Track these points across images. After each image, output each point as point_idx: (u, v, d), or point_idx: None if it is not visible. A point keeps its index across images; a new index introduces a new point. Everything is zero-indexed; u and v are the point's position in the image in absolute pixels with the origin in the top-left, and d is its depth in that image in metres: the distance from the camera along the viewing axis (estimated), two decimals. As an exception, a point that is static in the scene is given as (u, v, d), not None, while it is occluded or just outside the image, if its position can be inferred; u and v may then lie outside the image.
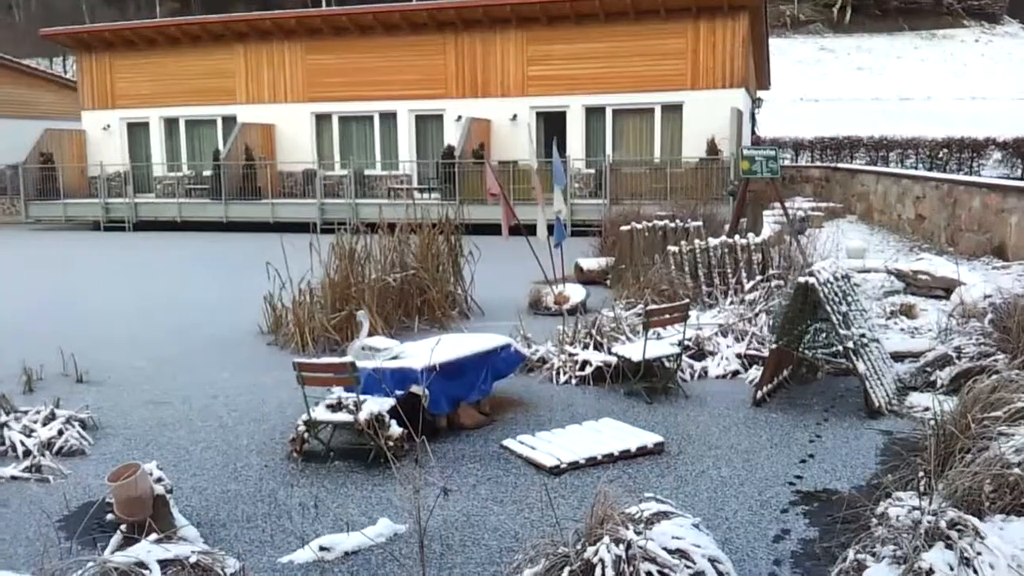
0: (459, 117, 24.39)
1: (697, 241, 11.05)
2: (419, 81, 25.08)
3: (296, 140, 26.23)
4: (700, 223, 13.03)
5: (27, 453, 5.95)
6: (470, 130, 23.13)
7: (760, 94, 34.41)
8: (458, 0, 24.04)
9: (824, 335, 7.58)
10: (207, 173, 25.65)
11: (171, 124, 27.69)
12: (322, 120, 26.36)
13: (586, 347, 8.09)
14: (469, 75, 24.81)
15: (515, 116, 24.28)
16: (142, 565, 3.46)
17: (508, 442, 6.10)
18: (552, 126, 23.84)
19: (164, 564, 3.52)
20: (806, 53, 74.82)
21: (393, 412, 5.87)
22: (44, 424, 6.34)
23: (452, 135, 24.26)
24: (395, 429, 5.79)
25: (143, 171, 27.57)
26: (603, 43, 23.48)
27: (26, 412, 6.53)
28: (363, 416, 5.70)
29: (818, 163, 35.16)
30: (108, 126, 27.90)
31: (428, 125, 25.60)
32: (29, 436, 6.16)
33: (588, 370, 7.74)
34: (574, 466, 5.61)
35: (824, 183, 30.27)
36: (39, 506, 5.20)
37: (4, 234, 25.45)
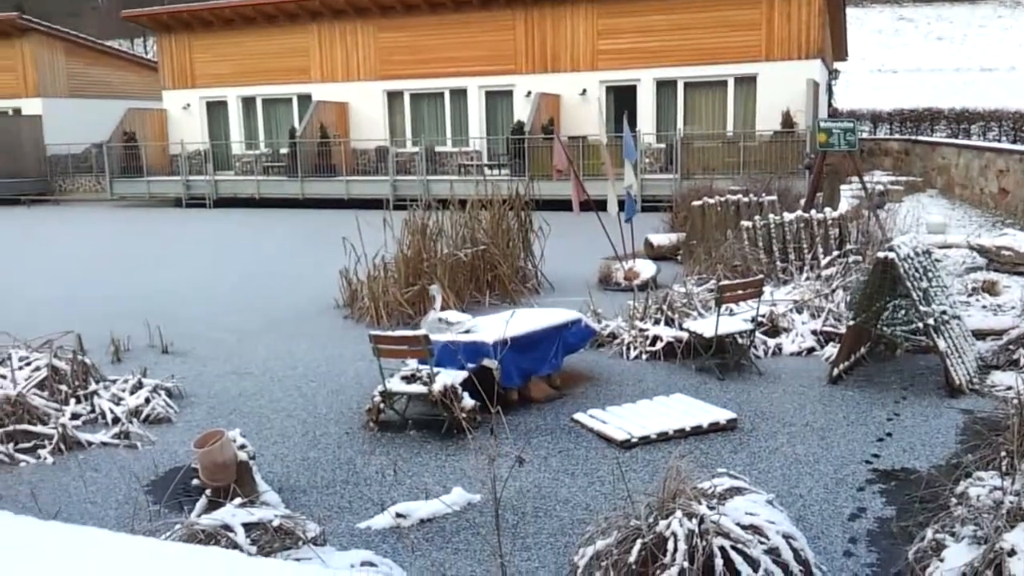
0: (529, 93, 24.32)
1: (772, 216, 10.86)
2: (489, 57, 25.07)
3: (369, 118, 26.53)
4: (775, 197, 12.78)
5: (116, 420, 6.22)
6: (539, 105, 23.05)
7: (837, 65, 33.42)
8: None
9: (903, 312, 7.40)
10: (284, 151, 26.15)
11: (248, 103, 28.28)
12: (394, 98, 26.59)
13: (657, 322, 8.06)
14: (539, 50, 24.70)
15: (584, 91, 24.10)
16: (227, 528, 3.61)
17: (579, 416, 6.14)
18: (622, 100, 23.59)
19: (248, 527, 3.66)
20: (884, 23, 72.25)
21: (465, 384, 5.97)
22: (132, 393, 6.62)
23: (522, 111, 24.22)
24: (468, 401, 5.88)
25: (222, 149, 28.24)
26: (675, 15, 23.09)
27: (115, 381, 6.83)
28: (437, 388, 5.81)
29: (897, 136, 34.05)
30: (188, 105, 28.64)
31: (498, 101, 25.59)
32: (118, 404, 6.44)
33: (659, 345, 7.72)
34: (645, 441, 5.62)
35: (903, 156, 29.32)
36: (128, 471, 5.45)
37: (91, 210, 26.44)
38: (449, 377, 5.95)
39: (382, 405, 6.08)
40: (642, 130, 22.89)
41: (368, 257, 9.84)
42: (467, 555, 4.22)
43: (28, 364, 6.58)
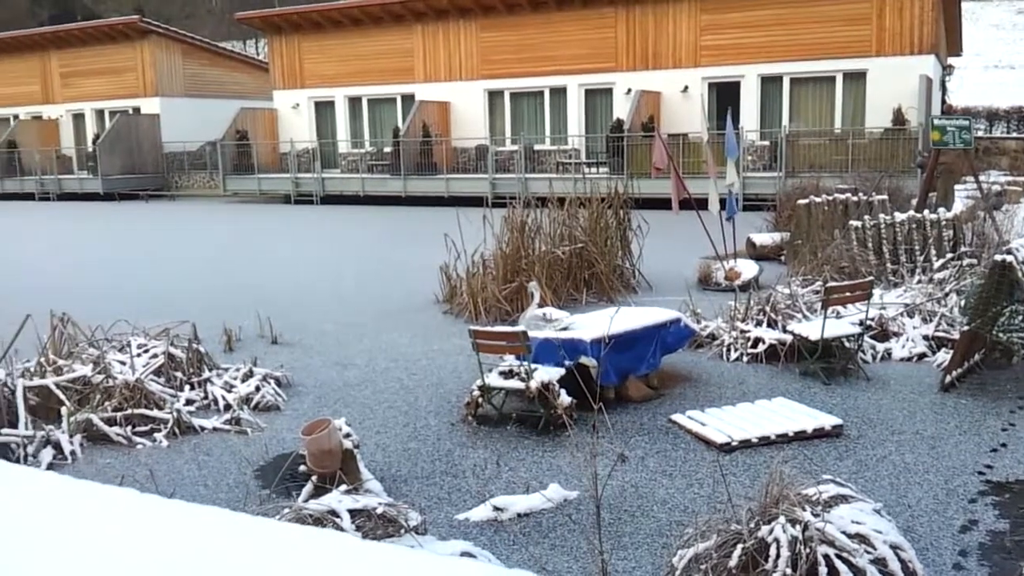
0: (629, 90, 24.14)
1: (882, 216, 10.49)
2: (589, 55, 25.01)
3: (470, 117, 26.83)
4: (885, 197, 12.34)
5: (227, 407, 6.49)
6: (640, 103, 22.86)
7: (951, 61, 31.96)
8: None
9: (1021, 318, 7.04)
10: (387, 149, 26.73)
11: (354, 103, 29.00)
12: (494, 96, 26.81)
13: (759, 324, 7.90)
14: (640, 47, 24.49)
15: (686, 87, 23.77)
16: (334, 513, 3.73)
17: (677, 417, 6.09)
18: (725, 97, 23.16)
19: (353, 513, 3.77)
20: (1002, 17, 68.56)
21: (563, 381, 5.99)
22: (243, 381, 6.90)
23: (621, 108, 24.07)
24: (565, 398, 5.90)
25: (329, 148, 29.05)
26: (781, 9, 22.53)
27: (227, 369, 7.13)
28: (534, 384, 5.85)
29: (1015, 134, 32.32)
30: (297, 105, 29.56)
31: (597, 99, 25.50)
32: (229, 391, 6.72)
33: (761, 348, 7.56)
34: (746, 444, 5.53)
35: (1021, 155, 27.82)
36: (239, 456, 5.68)
37: (204, 206, 27.62)
38: (546, 374, 5.98)
39: (480, 400, 6.16)
40: (745, 127, 22.44)
41: (467, 254, 9.97)
42: (564, 551, 4.24)
43: (146, 351, 6.94)
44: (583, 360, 6.23)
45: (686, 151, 21.64)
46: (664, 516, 4.59)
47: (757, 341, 7.63)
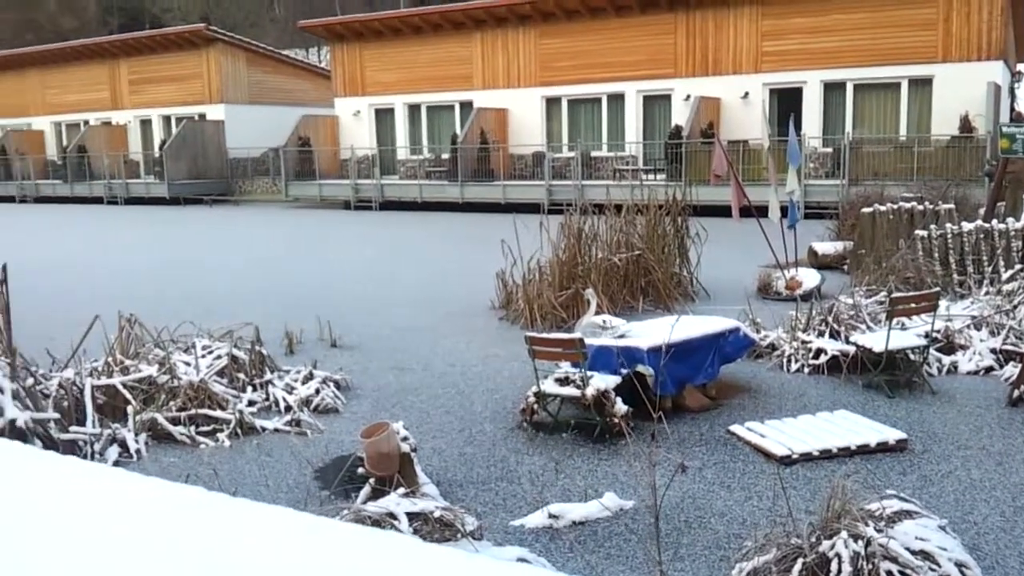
0: (688, 96, 23.97)
1: (948, 225, 10.23)
2: (647, 61, 24.89)
3: (527, 123, 26.91)
4: (952, 206, 12.03)
5: (288, 409, 6.61)
6: (699, 109, 22.67)
7: (1020, 67, 31.01)
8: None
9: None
10: (445, 156, 26.95)
11: (414, 110, 29.30)
12: (552, 103, 26.84)
13: (821, 335, 7.75)
14: (699, 53, 24.30)
15: (747, 94, 23.50)
16: (392, 516, 3.77)
17: (735, 428, 6.01)
18: (786, 103, 22.83)
19: (411, 516, 3.81)
20: (1083, 17, 66.29)
21: (619, 390, 5.96)
22: (303, 383, 7.01)
23: (680, 115, 23.89)
24: (620, 406, 5.87)
25: (388, 154, 29.40)
26: (844, 14, 22.14)
27: (288, 372, 7.25)
28: (590, 392, 5.83)
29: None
30: (358, 112, 29.98)
31: (655, 105, 25.36)
32: (290, 393, 6.84)
33: (822, 359, 7.43)
34: (806, 457, 5.43)
35: (1102, 163, 26.84)
36: (299, 457, 5.77)
37: (267, 210, 28.16)
38: (602, 381, 5.96)
39: (536, 406, 6.16)
40: (807, 134, 22.08)
41: (524, 260, 9.99)
42: (619, 560, 4.22)
43: (210, 353, 7.10)
44: (640, 368, 6.19)
45: (746, 158, 21.39)
46: (722, 528, 4.53)
47: (819, 352, 7.49)
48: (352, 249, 17.72)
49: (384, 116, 29.81)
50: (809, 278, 10.70)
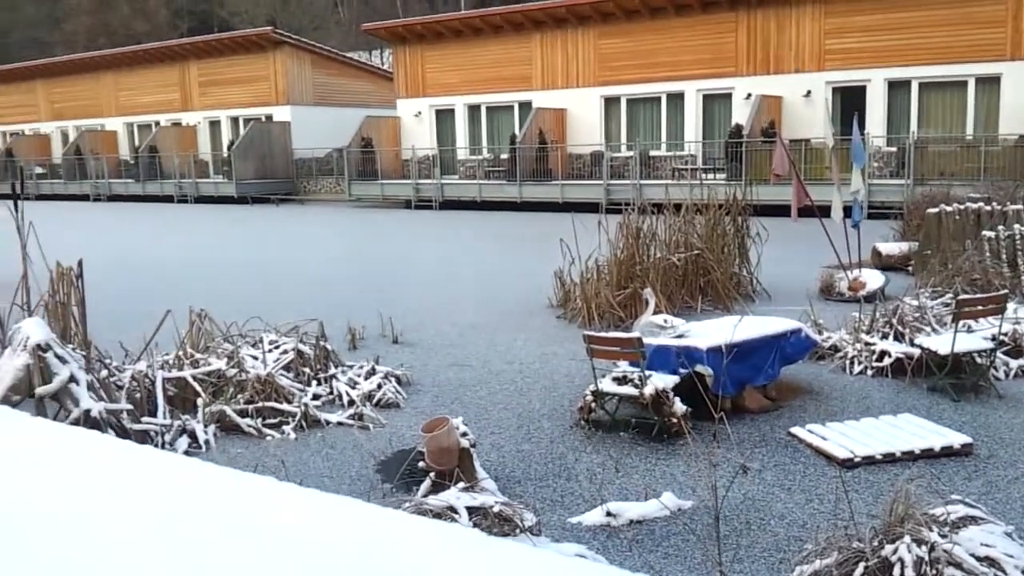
0: (748, 95, 23.68)
1: (1017, 226, 9.96)
2: (708, 60, 24.67)
3: (585, 123, 26.89)
4: (1020, 207, 11.68)
5: (351, 403, 6.74)
6: (760, 108, 22.39)
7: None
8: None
9: None
10: (504, 156, 27.09)
11: (473, 110, 29.51)
12: (610, 103, 26.77)
13: (884, 337, 7.63)
14: (761, 51, 24.00)
15: (809, 92, 23.13)
16: (452, 509, 3.85)
17: (796, 430, 5.96)
18: (849, 102, 22.40)
19: (470, 511, 3.88)
20: None
21: (677, 390, 5.96)
22: (366, 378, 7.15)
23: (740, 114, 23.62)
24: (679, 406, 5.86)
25: (448, 154, 29.67)
26: (909, 12, 21.63)
27: (351, 366, 7.41)
28: (648, 391, 5.84)
29: None
30: (419, 113, 30.30)
31: (715, 104, 25.11)
32: (353, 388, 6.98)
33: (886, 361, 7.30)
34: (869, 461, 5.37)
35: None
36: (361, 450, 5.90)
37: (331, 210, 28.65)
38: (661, 381, 5.96)
39: (593, 405, 6.19)
40: (871, 133, 21.64)
41: (581, 259, 10.01)
42: (677, 560, 4.23)
43: (277, 347, 7.29)
44: (699, 368, 6.18)
45: (808, 157, 21.07)
46: (782, 531, 4.51)
47: (883, 354, 7.37)
48: (412, 248, 17.93)
49: (444, 117, 30.07)
50: (873, 279, 10.52)
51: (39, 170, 37.04)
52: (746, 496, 4.94)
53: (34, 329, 5.94)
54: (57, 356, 5.87)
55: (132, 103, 38.26)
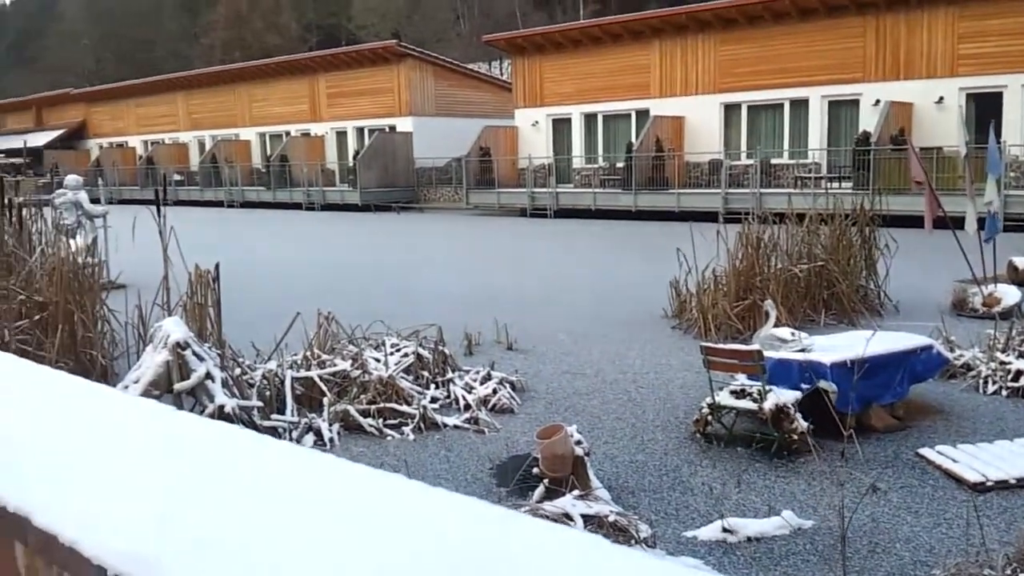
0: (877, 101, 22.82)
1: None
2: (834, 66, 23.93)
3: (704, 131, 26.50)
4: None
5: (467, 407, 6.88)
6: (889, 115, 21.53)
7: None
8: (883, -22, 22.51)
9: None
10: (620, 164, 26.99)
11: (590, 119, 29.54)
12: (731, 110, 26.30)
13: (1021, 356, 7.22)
14: (890, 57, 23.10)
15: (941, 98, 22.11)
16: (567, 516, 3.89)
17: (924, 451, 5.72)
18: (985, 108, 21.26)
19: (585, 519, 3.92)
20: None
21: (798, 405, 5.82)
22: (481, 383, 7.28)
23: (868, 121, 22.78)
24: (800, 423, 5.72)
25: (564, 163, 29.79)
26: (1054, 13, 20.40)
27: (467, 371, 7.56)
28: (768, 406, 5.73)
29: None
30: (536, 122, 30.56)
31: (841, 111, 24.32)
32: (469, 392, 7.12)
33: (1022, 381, 6.92)
34: (1002, 485, 5.10)
35: None
36: (476, 453, 6.02)
37: (449, 218, 29.22)
38: (781, 396, 5.83)
39: (710, 418, 6.11)
40: (1008, 141, 20.49)
41: (698, 269, 9.88)
42: (795, 578, 4.14)
43: (398, 350, 7.52)
44: (822, 384, 6.02)
45: (940, 166, 20.12)
46: (907, 555, 4.35)
47: (1019, 374, 6.99)
48: (527, 255, 18.09)
49: (561, 126, 30.21)
50: (1009, 295, 9.96)
51: (177, 177, 39.17)
52: (871, 517, 4.78)
53: (174, 328, 6.33)
54: (195, 354, 6.23)
55: (264, 114, 40.04)
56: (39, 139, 48.39)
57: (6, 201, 8.87)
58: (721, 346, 6.56)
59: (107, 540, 1.27)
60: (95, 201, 13.93)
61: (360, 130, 36.51)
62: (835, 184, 21.69)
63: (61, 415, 1.90)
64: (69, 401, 2.03)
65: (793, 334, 6.69)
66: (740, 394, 6.03)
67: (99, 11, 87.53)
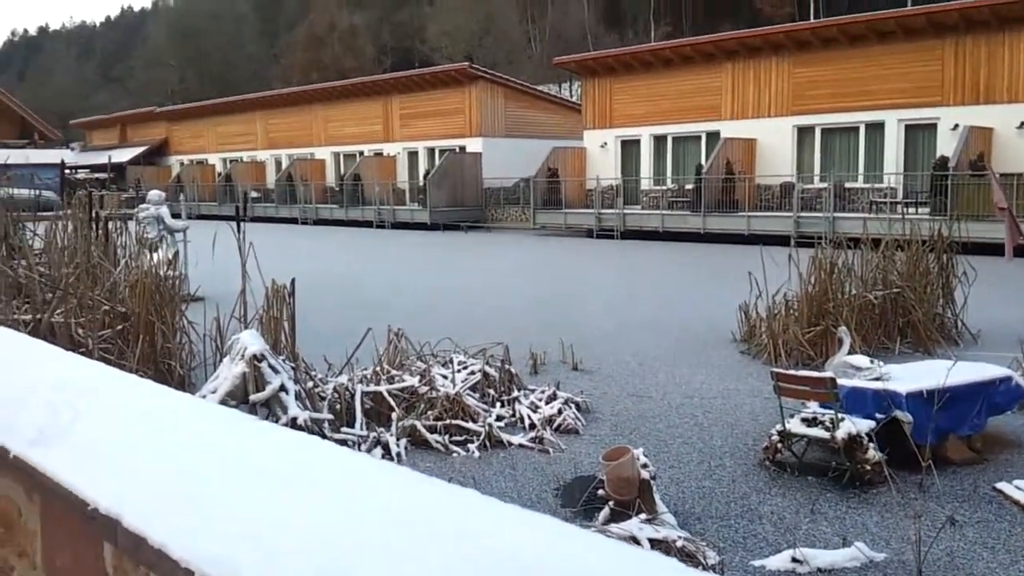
0: (956, 126, 22.23)
1: None
2: (911, 89, 23.41)
3: (776, 153, 26.15)
4: None
5: (532, 426, 6.90)
6: (968, 139, 20.94)
7: None
8: (963, 1, 21.92)
9: None
10: (689, 186, 26.80)
11: (659, 141, 29.42)
12: (804, 132, 25.91)
13: (1112, 391, 6.92)
14: (970, 80, 22.50)
15: (1022, 123, 21.40)
16: (634, 540, 3.87)
17: (1002, 485, 5.53)
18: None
19: (652, 543, 3.89)
20: None
21: (872, 435, 5.69)
22: (547, 403, 7.29)
23: (946, 145, 22.19)
24: (873, 453, 5.59)
25: (632, 184, 29.70)
26: None
27: (533, 391, 7.58)
28: (841, 435, 5.61)
29: None
30: (605, 144, 30.57)
31: (918, 135, 23.75)
32: (534, 411, 7.13)
33: (1113, 418, 6.64)
34: (1088, 524, 4.90)
35: None
36: (540, 473, 6.02)
37: (515, 237, 29.37)
38: (855, 425, 5.71)
39: (780, 445, 6.01)
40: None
41: (769, 293, 9.74)
42: (866, 611, 4.04)
43: (465, 368, 7.58)
44: (897, 414, 5.87)
45: (1021, 192, 19.46)
46: (985, 591, 4.21)
47: (1109, 410, 6.70)
48: (594, 276, 18.06)
49: (630, 147, 30.15)
50: (1100, 328, 9.57)
51: (255, 194, 40.22)
52: (944, 552, 4.64)
53: (251, 341, 6.50)
54: (270, 366, 6.39)
55: (339, 134, 40.91)
56: (123, 155, 50.33)
57: (93, 215, 9.25)
58: (793, 372, 6.46)
59: (195, 544, 1.29)
60: (176, 216, 14.42)
61: (431, 150, 37.00)
62: (911, 209, 21.17)
63: (150, 422, 1.98)
64: (157, 409, 2.11)
65: (872, 362, 6.55)
66: (812, 422, 5.92)
67: (183, 34, 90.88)
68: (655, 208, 27.87)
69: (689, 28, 65.07)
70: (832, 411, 5.77)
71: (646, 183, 29.49)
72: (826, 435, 5.71)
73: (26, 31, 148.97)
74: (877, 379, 6.30)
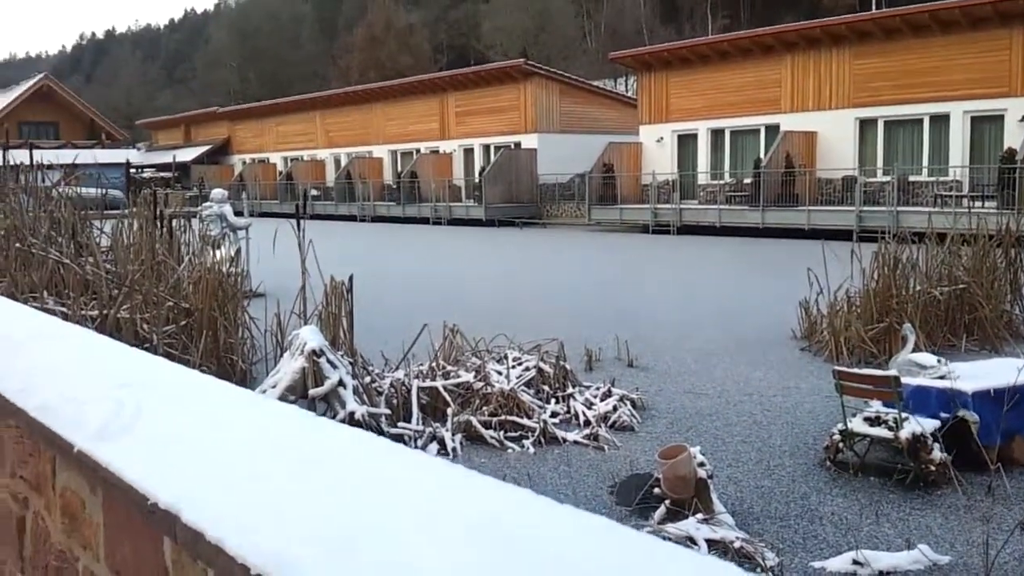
0: (1023, 117, 21.50)
1: None
2: (977, 80, 22.71)
3: (837, 146, 25.61)
4: None
5: (587, 423, 6.87)
6: (1040, 131, 20.25)
7: None
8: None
9: None
10: (747, 181, 26.41)
11: (717, 135, 29.04)
12: (866, 125, 25.33)
13: None
14: (1038, 70, 21.76)
15: (1099, 114, 20.66)
16: (691, 540, 3.83)
17: (1077, 488, 5.34)
18: None
19: (709, 543, 3.85)
20: None
21: (937, 435, 5.54)
22: (602, 400, 7.25)
23: (1014, 137, 21.49)
24: (938, 453, 5.45)
25: (688, 179, 29.40)
26: None
27: (588, 387, 7.55)
28: (904, 435, 5.48)
29: None
30: (661, 139, 30.29)
31: (985, 127, 23.05)
32: (589, 408, 7.10)
33: None
34: None
35: None
36: (595, 470, 5.99)
37: (571, 233, 29.31)
38: (919, 424, 5.57)
39: (841, 445, 5.89)
40: None
41: (830, 289, 9.54)
42: (931, 616, 3.94)
43: (520, 364, 7.59)
44: (962, 413, 5.71)
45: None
46: (1057, 598, 4.07)
47: None
48: (650, 272, 17.92)
49: (686, 142, 29.83)
50: None
51: (314, 192, 40.81)
52: (1012, 556, 4.50)
53: (310, 336, 6.60)
54: (329, 361, 6.48)
55: (396, 132, 41.29)
56: (187, 155, 51.52)
57: (157, 213, 9.48)
58: (855, 371, 6.33)
59: (252, 540, 1.30)
60: (238, 214, 14.70)
61: (486, 147, 37.11)
62: (978, 203, 20.56)
63: (211, 417, 2.01)
64: (217, 404, 2.15)
65: (937, 360, 6.38)
66: (874, 421, 5.79)
67: (244, 35, 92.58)
68: (712, 203, 27.54)
69: (747, 21, 64.05)
70: (896, 410, 5.64)
71: (703, 178, 29.15)
72: (889, 435, 5.58)
73: (93, 34, 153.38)
74: (942, 377, 6.13)
